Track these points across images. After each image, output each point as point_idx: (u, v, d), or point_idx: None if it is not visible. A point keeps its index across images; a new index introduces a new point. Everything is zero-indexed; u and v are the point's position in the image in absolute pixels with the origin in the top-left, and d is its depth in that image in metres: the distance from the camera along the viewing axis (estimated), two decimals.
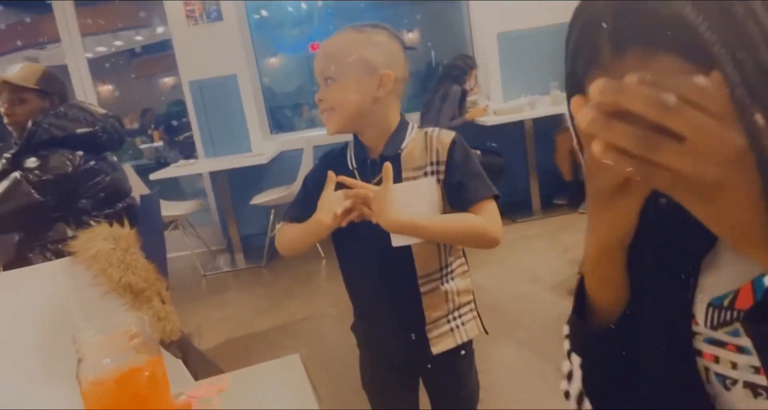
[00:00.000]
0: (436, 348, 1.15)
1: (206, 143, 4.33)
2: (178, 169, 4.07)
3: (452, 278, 1.16)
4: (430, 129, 1.15)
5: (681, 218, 0.50)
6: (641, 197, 0.45)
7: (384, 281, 1.14)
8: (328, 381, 2.14)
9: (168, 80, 7.20)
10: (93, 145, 1.98)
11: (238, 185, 4.15)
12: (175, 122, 6.02)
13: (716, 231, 0.38)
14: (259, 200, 3.91)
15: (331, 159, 1.21)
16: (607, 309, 0.55)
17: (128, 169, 4.24)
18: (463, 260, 1.20)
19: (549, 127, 4.17)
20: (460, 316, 1.18)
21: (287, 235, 1.20)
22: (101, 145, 2.01)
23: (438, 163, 1.10)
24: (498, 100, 4.37)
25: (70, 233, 1.91)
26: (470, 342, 1.25)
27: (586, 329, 0.57)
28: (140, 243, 1.48)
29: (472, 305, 1.21)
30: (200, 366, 1.72)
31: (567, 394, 0.63)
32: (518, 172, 4.25)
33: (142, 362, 0.70)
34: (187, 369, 1.46)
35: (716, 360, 0.50)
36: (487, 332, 1.22)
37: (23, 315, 1.23)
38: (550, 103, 4.10)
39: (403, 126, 1.14)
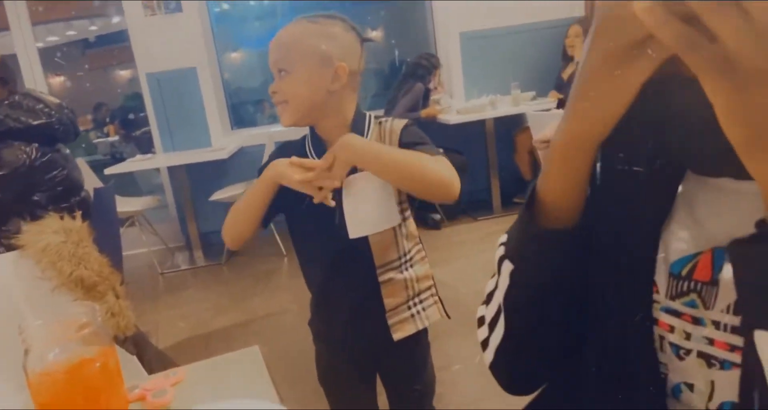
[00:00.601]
0: (397, 335, 1.15)
1: (164, 138, 4.23)
2: (135, 163, 3.96)
3: (411, 266, 1.16)
4: (384, 119, 1.14)
5: (638, 182, 0.51)
6: (653, 65, 0.39)
7: (342, 272, 1.14)
8: (289, 378, 2.12)
9: (124, 73, 6.99)
10: (48, 137, 1.90)
11: (197, 180, 4.06)
12: (131, 116, 5.86)
13: (732, 129, 0.36)
14: (219, 196, 3.84)
15: (290, 151, 1.19)
16: (560, 215, 0.51)
17: (82, 164, 4.09)
18: (420, 246, 1.20)
19: (509, 126, 4.24)
20: (420, 302, 1.18)
21: (231, 214, 1.16)
22: (56, 137, 1.94)
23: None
24: (460, 99, 4.41)
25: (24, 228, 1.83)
26: (426, 334, 1.25)
27: (535, 230, 0.51)
28: (93, 237, 1.43)
29: (433, 290, 1.21)
30: (157, 362, 1.68)
31: (481, 320, 0.62)
32: (479, 171, 4.30)
33: (92, 353, 0.68)
34: (143, 365, 1.41)
35: (671, 329, 0.50)
36: (449, 316, 1.23)
37: None
38: (511, 103, 4.16)
39: (360, 119, 1.13)
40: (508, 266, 0.55)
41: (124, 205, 3.81)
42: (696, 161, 0.49)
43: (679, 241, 0.50)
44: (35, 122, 1.86)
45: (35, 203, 1.87)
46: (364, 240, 1.09)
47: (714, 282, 0.48)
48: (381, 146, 1.07)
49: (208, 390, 0.75)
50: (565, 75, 4.16)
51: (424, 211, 4.23)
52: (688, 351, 0.49)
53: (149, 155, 4.21)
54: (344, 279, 1.15)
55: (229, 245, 1.20)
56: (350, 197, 1.06)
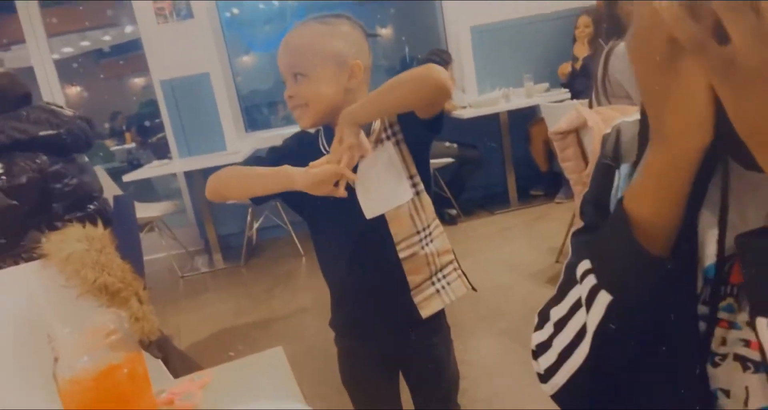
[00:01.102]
0: (425, 312, 1.14)
1: (180, 143, 4.27)
2: (152, 170, 4.01)
3: (431, 241, 1.15)
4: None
5: None
6: (702, 62, 0.37)
7: (363, 255, 1.14)
8: (310, 378, 2.13)
9: (138, 81, 7.07)
10: (57, 147, 1.93)
11: None
12: (147, 123, 5.92)
13: (739, 124, 0.36)
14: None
15: (303, 139, 1.21)
16: (658, 242, 0.46)
17: (100, 171, 4.15)
18: (438, 221, 1.19)
19: (524, 119, 4.21)
20: (444, 277, 1.17)
21: (230, 172, 1.16)
22: (66, 147, 1.96)
23: (391, 125, 1.11)
24: (473, 94, 4.39)
25: (44, 239, 1.86)
26: (449, 331, 1.25)
27: (647, 259, 0.45)
28: (115, 243, 1.45)
29: (455, 264, 1.20)
30: (181, 365, 1.69)
31: (543, 346, 0.58)
32: (494, 164, 4.28)
33: (120, 359, 0.69)
34: (168, 369, 1.43)
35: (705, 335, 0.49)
36: (474, 289, 1.22)
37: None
38: (525, 95, 4.13)
39: None
40: (604, 298, 0.49)
41: (143, 211, 3.86)
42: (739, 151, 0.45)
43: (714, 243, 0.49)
44: (41, 133, 1.88)
45: (50, 213, 1.89)
46: (380, 219, 1.10)
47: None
48: (371, 93, 1.06)
49: (235, 392, 0.76)
50: (575, 65, 4.11)
51: (439, 207, 4.22)
52: (724, 356, 0.48)
53: (166, 161, 4.25)
54: (366, 262, 1.14)
55: (207, 196, 1.21)
56: (360, 179, 1.08)
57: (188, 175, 4.15)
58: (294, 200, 1.17)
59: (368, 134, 1.10)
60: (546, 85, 4.23)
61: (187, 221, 4.49)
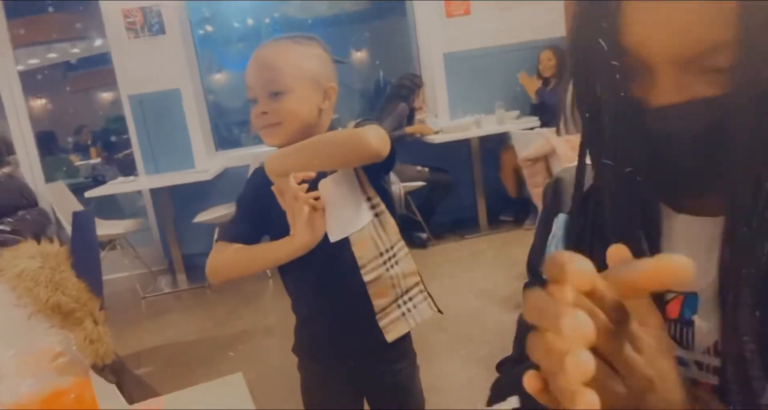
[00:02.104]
0: (391, 336, 1.11)
1: (147, 160, 4.18)
2: (116, 186, 3.90)
3: (396, 263, 1.14)
4: None
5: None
6: None
7: (328, 278, 1.12)
8: (274, 403, 2.07)
9: (106, 95, 6.95)
10: None
11: (180, 202, 4.02)
12: (113, 138, 5.81)
13: None
14: (203, 217, 3.79)
15: (263, 175, 1.16)
16: None
17: (60, 187, 4.03)
18: (403, 242, 1.17)
19: (494, 145, 4.27)
20: (410, 299, 1.15)
21: (232, 256, 1.12)
22: None
23: None
24: (445, 119, 4.44)
25: None
26: (414, 356, 1.23)
27: None
28: (72, 261, 1.39)
29: (421, 286, 1.18)
30: (137, 390, 1.62)
31: None
32: (465, 189, 4.31)
33: (67, 384, 0.64)
34: (123, 394, 1.37)
35: None
36: (440, 311, 1.19)
37: None
38: (496, 122, 4.20)
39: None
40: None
41: (106, 228, 3.75)
42: (664, 190, 0.49)
43: None
44: None
45: None
46: (344, 242, 1.09)
47: (684, 321, 0.49)
48: (295, 144, 1.04)
49: None
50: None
51: (410, 230, 4.22)
52: None
53: (131, 178, 4.15)
54: (331, 285, 1.12)
55: (212, 280, 1.17)
56: (325, 198, 1.06)
57: (154, 192, 4.05)
58: (261, 224, 1.15)
59: None
60: (517, 112, 4.32)
61: (151, 239, 4.37)
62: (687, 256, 0.46)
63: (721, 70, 0.41)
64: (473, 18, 4.35)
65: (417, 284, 1.17)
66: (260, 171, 1.17)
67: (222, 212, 3.77)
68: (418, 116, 4.26)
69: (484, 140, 4.12)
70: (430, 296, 1.19)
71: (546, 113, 3.97)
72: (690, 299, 0.49)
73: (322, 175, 1.07)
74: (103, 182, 4.51)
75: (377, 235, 1.12)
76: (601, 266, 0.47)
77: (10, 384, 0.62)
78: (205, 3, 4.65)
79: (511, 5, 4.33)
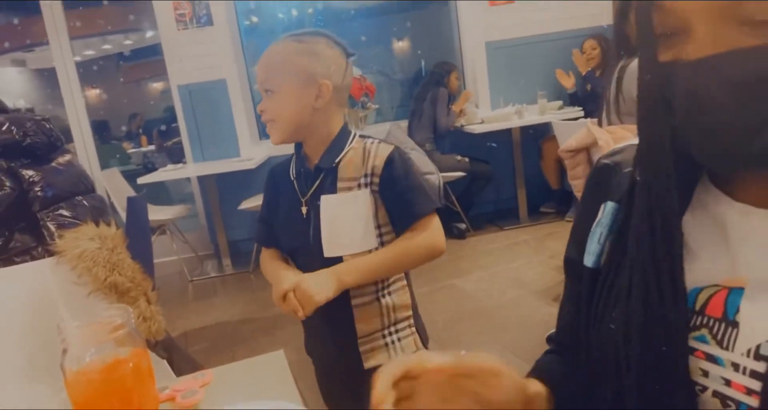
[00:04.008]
0: (369, 363, 1.12)
1: (195, 148, 4.33)
2: (166, 173, 4.06)
3: (389, 293, 1.13)
4: (370, 141, 1.14)
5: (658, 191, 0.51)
6: None
7: None
8: (312, 387, 2.14)
9: (157, 85, 7.19)
10: (23, 151, 1.93)
11: (226, 190, 4.14)
12: (163, 127, 6.01)
13: None
14: (247, 205, 3.91)
15: (277, 172, 1.23)
16: None
17: (115, 173, 4.23)
18: (401, 275, 1.17)
19: (536, 135, 4.22)
20: (396, 332, 1.14)
21: (264, 266, 1.23)
22: (26, 150, 1.96)
23: (373, 175, 1.09)
24: (486, 109, 4.41)
25: (32, 242, 1.87)
26: None
27: None
28: (127, 244, 1.48)
29: (411, 321, 1.17)
30: (185, 366, 1.71)
31: None
32: (506, 180, 4.28)
33: (126, 353, 0.71)
34: (172, 368, 1.45)
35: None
36: (426, 347, 1.18)
37: (7, 312, 1.22)
38: (538, 112, 4.15)
39: (343, 136, 1.13)
40: None
41: (156, 213, 3.91)
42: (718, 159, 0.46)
43: (699, 269, 0.50)
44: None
45: (29, 214, 1.90)
46: (338, 261, 1.08)
47: (728, 321, 0.47)
48: (354, 273, 1.06)
49: (236, 392, 0.78)
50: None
51: (447, 220, 4.23)
52: (704, 388, 0.48)
53: (180, 165, 4.31)
54: None
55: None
56: (326, 216, 1.08)
57: (201, 180, 4.19)
58: (272, 226, 1.21)
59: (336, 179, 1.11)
60: (560, 102, 4.25)
61: (198, 225, 4.53)
62: (743, 247, 0.47)
63: (759, 23, 0.40)
64: (516, 6, 4.29)
65: (408, 318, 1.16)
66: (278, 166, 1.23)
67: None
68: (455, 107, 4.25)
69: (526, 130, 4.08)
70: (419, 332, 1.18)
71: (590, 103, 3.90)
72: (734, 296, 0.47)
73: (326, 190, 1.09)
74: (153, 169, 4.69)
75: None
76: (658, 253, 0.49)
77: (75, 352, 0.69)
78: None
79: None
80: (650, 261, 0.50)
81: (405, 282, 1.16)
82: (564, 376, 0.62)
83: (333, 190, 1.09)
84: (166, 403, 0.78)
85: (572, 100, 4.24)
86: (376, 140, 1.14)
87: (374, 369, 1.07)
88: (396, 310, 1.14)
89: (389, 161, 1.09)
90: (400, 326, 1.15)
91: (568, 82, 4.16)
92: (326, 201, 1.09)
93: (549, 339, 0.71)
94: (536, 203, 4.28)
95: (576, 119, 3.76)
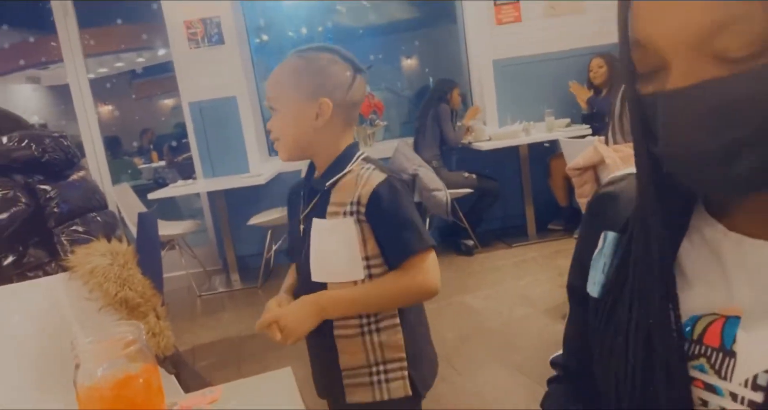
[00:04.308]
0: (351, 398, 1.08)
1: (205, 164, 4.37)
2: (177, 189, 4.10)
3: (376, 330, 1.07)
4: (367, 166, 1.08)
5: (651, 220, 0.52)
6: None
7: None
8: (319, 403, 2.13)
9: (168, 102, 7.29)
10: (41, 167, 1.96)
11: (235, 205, 4.18)
12: (174, 143, 6.08)
13: None
14: (256, 220, 3.93)
15: (295, 186, 1.23)
16: None
17: (126, 188, 4.28)
18: (394, 313, 1.09)
19: (544, 153, 4.23)
20: (385, 372, 1.08)
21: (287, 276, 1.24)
22: (48, 166, 1.99)
23: (359, 204, 1.04)
24: (493, 126, 4.43)
25: (46, 257, 1.89)
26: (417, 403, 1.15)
27: None
28: (137, 259, 1.50)
29: (404, 364, 1.09)
30: (193, 382, 1.72)
31: None
32: (513, 197, 4.29)
33: (137, 369, 0.72)
34: (180, 384, 1.46)
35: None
36: (414, 393, 1.10)
37: (20, 326, 1.24)
38: (545, 129, 4.17)
39: (345, 156, 1.09)
40: None
41: (166, 228, 3.93)
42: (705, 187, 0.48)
43: (696, 297, 0.50)
44: (18, 155, 1.91)
45: (44, 230, 1.92)
46: (323, 287, 1.06)
47: (726, 351, 0.47)
48: (336, 304, 1.04)
49: (244, 408, 0.78)
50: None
51: (455, 237, 4.23)
52: None
53: (190, 181, 4.35)
54: None
55: None
56: (315, 239, 1.06)
57: (211, 195, 4.23)
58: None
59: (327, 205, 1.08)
60: (567, 120, 4.26)
61: (207, 240, 4.56)
62: (738, 276, 0.48)
63: (732, 59, 0.41)
64: (523, 25, 4.33)
65: (400, 360, 1.09)
66: (298, 182, 1.23)
67: (274, 215, 3.89)
68: (467, 122, 4.28)
69: (534, 147, 4.10)
70: (415, 381, 1.09)
71: (598, 121, 3.91)
72: (731, 325, 0.47)
73: (318, 212, 1.08)
74: (164, 185, 4.74)
75: None
76: (652, 283, 0.50)
77: (87, 367, 0.70)
78: (261, 13, 4.82)
79: (562, 13, 4.30)
80: (645, 291, 0.51)
81: (397, 321, 1.08)
82: None
83: (323, 213, 1.06)
84: None
85: (583, 118, 4.25)
86: (372, 167, 1.08)
87: (358, 404, 1.07)
88: (385, 349, 1.07)
89: (375, 192, 1.03)
90: (390, 366, 1.08)
91: (584, 95, 4.15)
92: (316, 224, 1.06)
93: (554, 364, 0.71)
94: (544, 220, 4.27)
95: (584, 136, 3.78)
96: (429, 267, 1.03)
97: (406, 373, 1.08)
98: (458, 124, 4.24)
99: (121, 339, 0.72)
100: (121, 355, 0.72)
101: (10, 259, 1.88)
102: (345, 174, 1.07)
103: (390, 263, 1.05)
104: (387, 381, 1.08)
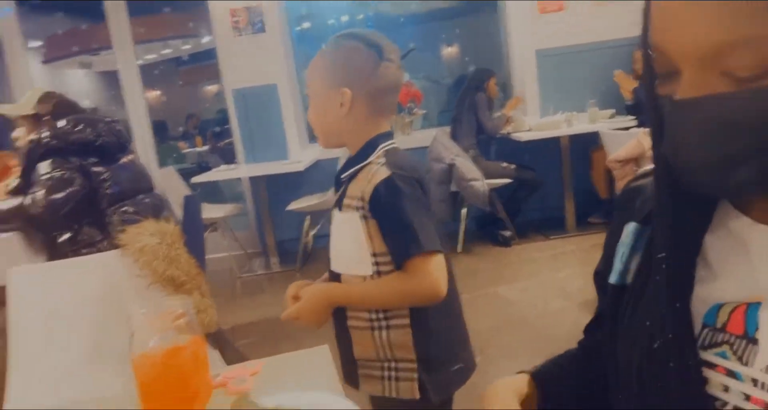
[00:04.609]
0: (364, 387, 1.11)
1: (247, 150, 4.47)
2: (219, 173, 4.21)
3: (386, 327, 1.07)
4: (380, 161, 1.06)
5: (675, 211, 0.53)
6: None
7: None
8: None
9: (212, 88, 7.46)
10: (95, 151, 2.06)
11: (275, 190, 4.26)
12: (217, 129, 6.23)
13: None
14: (295, 206, 4.01)
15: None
16: None
17: (171, 172, 4.42)
18: (405, 313, 1.07)
19: (586, 144, 4.15)
20: (396, 370, 1.08)
21: None
22: (103, 150, 2.08)
23: (363, 199, 1.04)
24: (535, 116, 4.37)
25: (98, 235, 2.00)
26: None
27: None
28: (183, 240, 1.57)
29: (413, 365, 1.07)
30: (233, 358, 1.79)
31: None
32: (553, 188, 4.23)
33: (185, 341, 0.77)
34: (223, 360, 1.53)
35: (706, 381, 0.51)
36: (428, 398, 1.08)
37: (77, 299, 1.32)
38: (588, 120, 4.08)
39: (368, 148, 1.09)
40: None
41: (209, 211, 4.05)
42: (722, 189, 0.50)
43: (722, 287, 0.52)
44: (72, 138, 2.01)
45: (97, 210, 2.03)
46: (338, 277, 1.10)
47: (749, 338, 0.49)
48: (365, 289, 1.06)
49: (282, 382, 0.83)
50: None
51: (492, 227, 4.21)
52: (725, 403, 0.50)
53: (232, 166, 4.46)
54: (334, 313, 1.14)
55: None
56: (333, 230, 1.10)
57: (252, 180, 4.32)
58: None
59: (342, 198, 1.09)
60: (611, 111, 4.17)
61: (248, 224, 4.67)
62: (765, 267, 0.50)
63: (740, 78, 0.43)
64: (567, 14, 4.24)
65: (410, 361, 1.07)
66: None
67: (313, 201, 3.96)
68: (508, 112, 4.24)
69: (576, 138, 4.02)
70: (420, 380, 1.07)
71: (643, 112, 3.81)
72: (753, 310, 0.49)
73: (338, 203, 1.09)
74: (207, 169, 4.87)
75: None
76: (671, 273, 0.51)
77: (140, 337, 0.76)
78: (303, 1, 4.86)
79: (607, 2, 4.18)
80: (666, 280, 0.53)
81: (407, 322, 1.06)
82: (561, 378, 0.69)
83: (341, 205, 1.08)
84: (219, 389, 0.83)
85: (628, 109, 4.15)
86: (383, 161, 1.06)
87: (371, 395, 1.09)
88: (393, 348, 1.06)
89: (376, 189, 1.02)
90: (400, 365, 1.07)
91: (629, 85, 4.04)
92: (335, 215, 1.10)
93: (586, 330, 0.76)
94: (584, 213, 4.20)
95: (628, 128, 3.69)
96: (431, 270, 1.00)
97: (415, 376, 1.06)
98: (497, 113, 4.20)
99: (171, 312, 0.77)
100: (171, 327, 0.77)
101: (65, 236, 2.00)
102: (363, 167, 1.07)
103: (394, 261, 1.04)
104: (397, 379, 1.07)
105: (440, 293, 1.00)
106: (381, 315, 1.06)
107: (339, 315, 1.11)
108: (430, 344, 1.07)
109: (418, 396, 1.06)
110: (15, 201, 1.94)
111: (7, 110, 2.18)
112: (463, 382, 1.14)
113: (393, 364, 1.07)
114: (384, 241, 1.03)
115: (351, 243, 1.06)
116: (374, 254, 1.04)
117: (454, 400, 1.19)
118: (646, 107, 0.52)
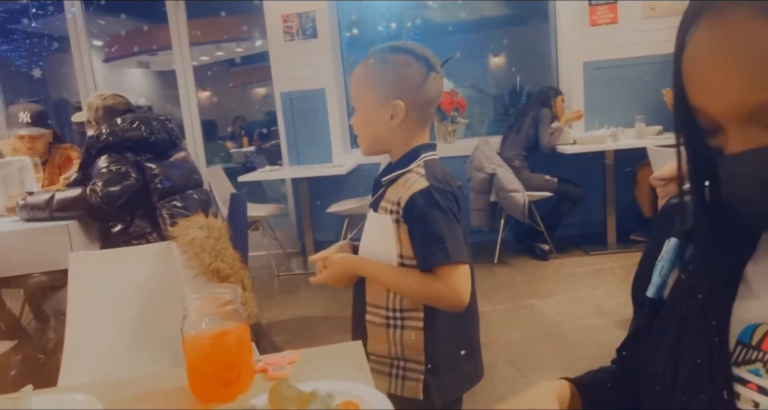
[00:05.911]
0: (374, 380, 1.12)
1: (291, 151, 4.58)
2: (264, 173, 4.33)
3: (402, 327, 1.10)
4: (420, 171, 1.10)
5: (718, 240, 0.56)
6: None
7: (357, 293, 1.20)
8: None
9: (261, 90, 7.65)
10: (148, 147, 2.17)
11: (316, 193, 4.35)
12: (264, 130, 6.39)
13: None
14: (335, 208, 4.08)
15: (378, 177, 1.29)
16: None
17: (218, 170, 4.58)
18: (420, 316, 1.10)
19: (632, 160, 4.08)
20: (404, 369, 1.11)
21: None
22: (151, 146, 2.19)
23: (398, 205, 1.08)
24: (579, 130, 4.33)
25: (149, 228, 2.12)
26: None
27: None
28: (229, 235, 1.65)
29: (421, 367, 1.10)
30: (269, 351, 1.86)
31: None
32: (595, 203, 4.17)
33: (232, 326, 0.82)
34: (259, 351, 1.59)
35: (738, 396, 0.52)
36: (431, 401, 1.10)
37: (129, 286, 1.41)
38: (635, 136, 4.02)
39: (411, 155, 1.12)
40: None
41: (252, 210, 4.17)
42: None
43: (761, 307, 0.53)
44: (128, 135, 2.13)
45: (148, 202, 2.14)
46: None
47: None
48: (380, 268, 1.11)
49: (318, 373, 0.87)
50: None
51: (530, 240, 4.18)
52: None
53: (277, 167, 4.58)
54: (357, 300, 1.19)
55: None
56: (366, 229, 1.15)
57: (295, 182, 4.43)
58: None
59: (380, 200, 1.13)
60: (659, 127, 4.09)
61: (288, 224, 4.78)
62: None
63: None
64: (617, 27, 4.19)
65: (419, 363, 1.10)
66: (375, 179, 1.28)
67: (352, 205, 4.02)
68: (560, 125, 4.21)
69: (621, 154, 3.96)
70: (425, 384, 1.09)
71: None
72: None
73: (375, 205, 1.14)
74: (252, 169, 5.01)
75: (389, 292, 1.11)
76: (710, 290, 0.54)
77: (192, 319, 0.82)
78: (354, 9, 4.96)
79: (662, 14, 4.11)
80: (704, 302, 0.55)
81: (421, 325, 1.09)
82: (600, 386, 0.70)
83: (377, 206, 1.13)
84: (259, 373, 0.89)
85: None
86: (423, 172, 1.09)
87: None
88: (405, 348, 1.10)
89: (412, 198, 1.06)
90: (409, 365, 1.10)
91: None
92: (370, 215, 1.15)
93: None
94: (626, 230, 4.13)
95: (674, 145, 3.60)
96: (455, 281, 1.03)
97: (421, 377, 1.09)
98: (554, 125, 4.16)
99: (220, 298, 0.83)
100: (219, 312, 0.82)
101: (119, 227, 2.12)
102: (403, 173, 1.11)
103: (419, 268, 1.07)
104: (403, 378, 1.10)
105: (462, 302, 1.04)
106: (398, 314, 1.10)
107: (359, 308, 1.15)
108: (441, 349, 1.10)
109: (421, 397, 1.08)
110: (77, 191, 2.07)
111: (78, 117, 2.39)
112: (468, 389, 1.17)
113: (402, 363, 1.10)
114: (412, 246, 1.07)
115: (381, 244, 1.11)
116: (400, 256, 1.09)
117: (464, 400, 1.21)
118: (688, 156, 0.56)
